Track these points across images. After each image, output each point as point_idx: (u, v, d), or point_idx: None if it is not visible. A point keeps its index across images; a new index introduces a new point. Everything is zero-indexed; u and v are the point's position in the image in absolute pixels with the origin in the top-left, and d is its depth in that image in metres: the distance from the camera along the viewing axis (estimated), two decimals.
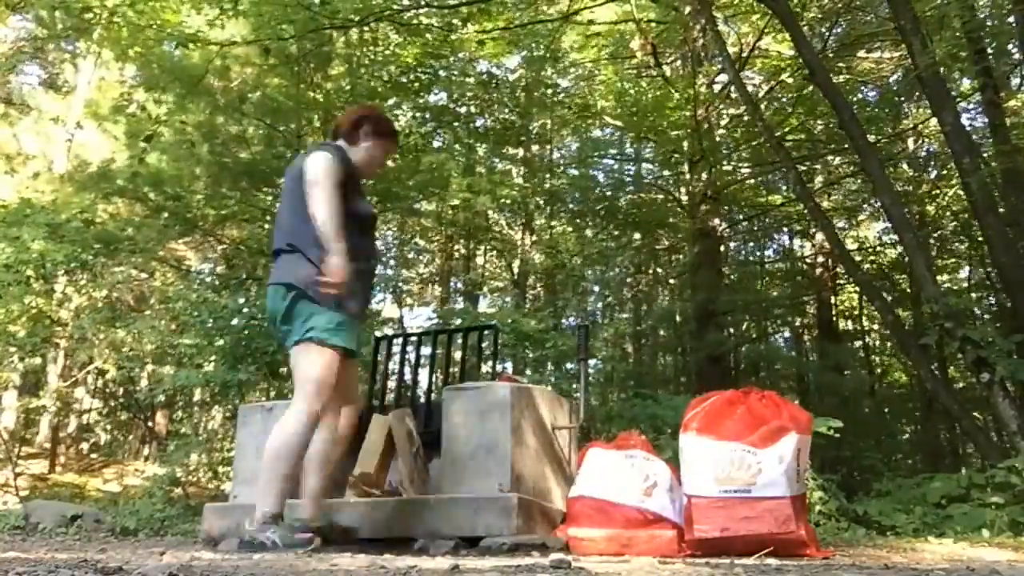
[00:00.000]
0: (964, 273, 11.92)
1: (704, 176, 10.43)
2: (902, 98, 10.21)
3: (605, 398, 11.94)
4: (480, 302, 15.07)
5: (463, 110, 10.97)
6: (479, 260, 16.30)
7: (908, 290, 10.82)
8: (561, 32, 10.70)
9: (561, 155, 14.76)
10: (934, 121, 7.83)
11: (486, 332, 4.54)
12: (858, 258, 10.80)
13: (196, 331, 7.48)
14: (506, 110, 11.51)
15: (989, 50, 7.04)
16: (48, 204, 9.28)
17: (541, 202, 12.52)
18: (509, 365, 9.02)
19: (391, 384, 4.40)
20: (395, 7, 8.54)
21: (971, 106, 9.36)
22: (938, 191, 10.57)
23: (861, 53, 10.53)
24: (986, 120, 7.84)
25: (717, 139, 10.75)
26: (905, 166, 11.18)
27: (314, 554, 2.77)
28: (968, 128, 7.84)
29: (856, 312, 13.49)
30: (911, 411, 12.73)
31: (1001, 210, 6.50)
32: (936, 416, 11.11)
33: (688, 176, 10.92)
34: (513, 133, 11.60)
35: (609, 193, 11.86)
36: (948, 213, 10.63)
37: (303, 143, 10.04)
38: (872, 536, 4.37)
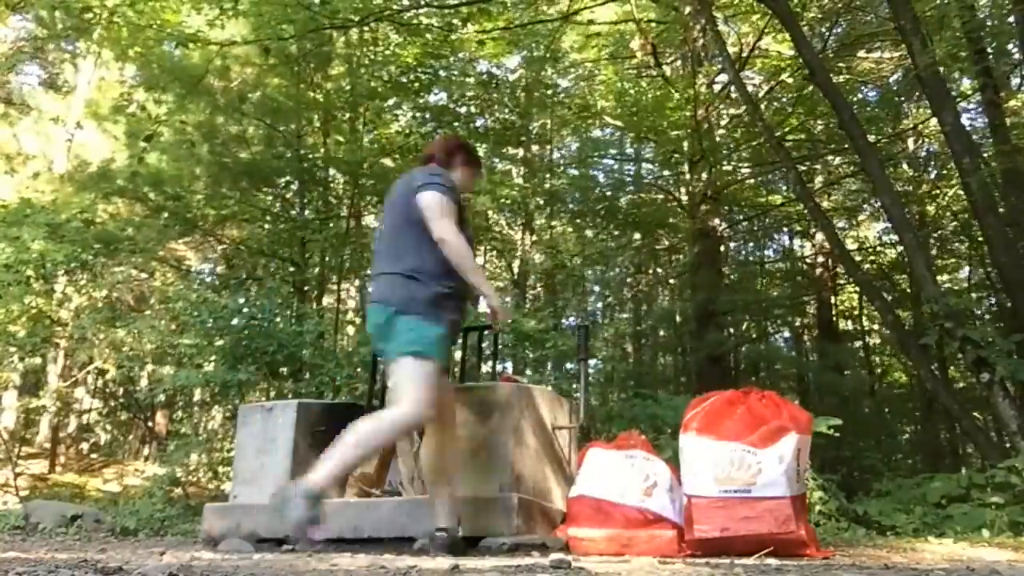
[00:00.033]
0: (964, 273, 11.92)
1: (704, 176, 10.43)
2: (902, 98, 10.20)
3: (605, 398, 11.94)
4: (480, 302, 15.05)
5: (463, 110, 10.96)
6: (479, 260, 16.28)
7: (908, 290, 10.81)
8: (561, 32, 10.69)
9: (561, 155, 14.76)
10: (934, 121, 7.83)
11: (486, 332, 4.54)
12: (858, 258, 10.80)
13: (196, 331, 7.48)
14: (506, 110, 11.51)
15: (989, 50, 7.03)
16: (48, 204, 9.28)
17: (541, 202, 12.51)
18: (509, 365, 9.03)
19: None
20: (395, 7, 8.54)
21: (971, 106, 9.37)
22: (938, 191, 10.57)
23: (861, 53, 10.53)
24: (986, 120, 7.83)
25: (717, 139, 10.75)
26: (905, 166, 11.17)
27: (315, 554, 2.77)
28: (968, 128, 7.84)
29: (856, 312, 13.49)
30: (911, 411, 12.73)
31: (1001, 210, 6.50)
32: (936, 416, 11.11)
33: (688, 176, 10.92)
34: (513, 133, 11.59)
35: (609, 193, 11.86)
36: (948, 213, 10.62)
37: (303, 143, 10.05)
38: (872, 536, 4.37)
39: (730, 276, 12.30)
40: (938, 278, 8.09)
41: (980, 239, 8.42)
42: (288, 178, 10.20)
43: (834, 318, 13.07)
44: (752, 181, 11.70)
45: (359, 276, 12.01)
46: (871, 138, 7.99)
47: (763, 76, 10.94)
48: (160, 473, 7.84)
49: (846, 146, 8.75)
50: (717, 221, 10.87)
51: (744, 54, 9.78)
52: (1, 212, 8.70)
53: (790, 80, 9.63)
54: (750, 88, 9.76)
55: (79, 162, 12.41)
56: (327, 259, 10.18)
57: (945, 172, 10.47)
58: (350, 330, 11.56)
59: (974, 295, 10.54)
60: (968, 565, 2.49)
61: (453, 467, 3.01)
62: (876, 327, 13.30)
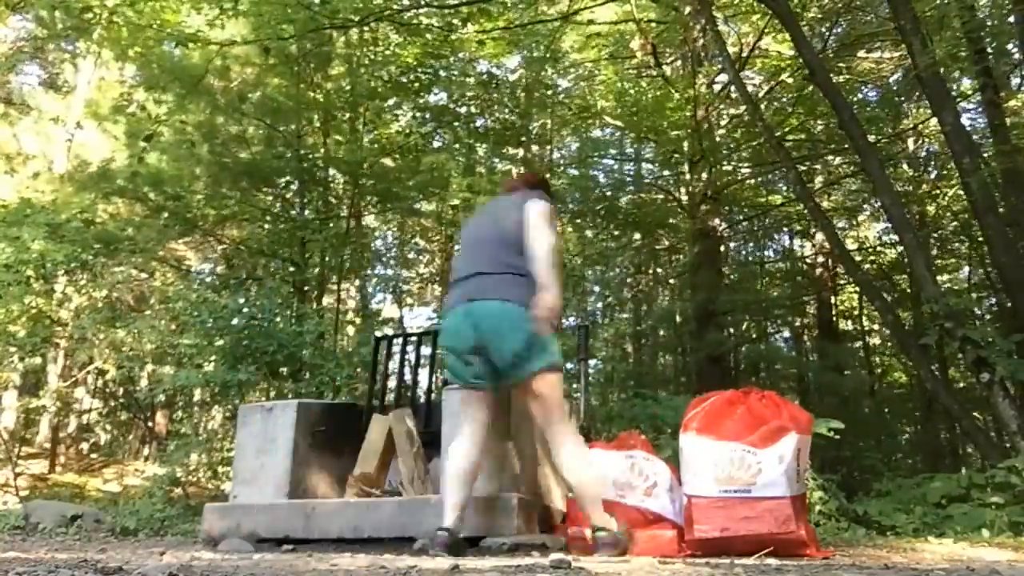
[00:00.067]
0: (964, 273, 11.92)
1: (704, 176, 10.43)
2: (902, 98, 10.20)
3: (605, 398, 11.93)
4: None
5: (463, 110, 10.97)
6: None
7: (908, 290, 10.81)
8: (561, 32, 10.69)
9: (561, 155, 14.75)
10: (934, 121, 7.82)
11: None
12: (858, 258, 10.79)
13: (196, 331, 7.48)
14: (506, 110, 11.51)
15: (989, 50, 7.03)
16: (48, 204, 9.29)
17: None
18: None
19: (391, 384, 4.40)
20: (395, 7, 8.54)
21: (971, 106, 9.36)
22: (938, 191, 10.56)
23: (861, 53, 10.52)
24: (986, 120, 7.83)
25: (717, 139, 10.74)
26: (905, 166, 11.17)
27: (315, 553, 2.77)
28: (968, 128, 7.84)
29: (856, 312, 13.49)
30: (911, 411, 12.72)
31: (1001, 210, 6.50)
32: (936, 416, 11.11)
33: (688, 176, 10.91)
34: (513, 133, 11.60)
35: (609, 193, 11.85)
36: (948, 213, 10.62)
37: (303, 143, 10.04)
38: (872, 536, 4.37)
39: (730, 276, 12.29)
40: (938, 278, 8.09)
41: (980, 239, 8.42)
42: (288, 178, 10.20)
43: (834, 318, 13.07)
44: (752, 181, 11.69)
45: (359, 276, 12.02)
46: (871, 138, 7.99)
47: (763, 76, 10.93)
48: (160, 473, 7.85)
49: (846, 146, 8.75)
50: (717, 221, 10.87)
51: (744, 54, 9.78)
52: (1, 212, 8.70)
53: (790, 80, 9.63)
54: (750, 88, 9.75)
55: (79, 162, 12.41)
56: (327, 259, 10.18)
57: (945, 172, 10.46)
58: (350, 330, 11.56)
59: (974, 295, 10.54)
60: (968, 565, 2.48)
61: (482, 468, 3.05)
62: (876, 327, 13.30)
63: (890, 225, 9.06)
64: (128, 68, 12.35)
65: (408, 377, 4.36)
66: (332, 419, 3.98)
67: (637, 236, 12.39)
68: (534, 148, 13.90)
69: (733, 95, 10.06)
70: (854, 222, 13.01)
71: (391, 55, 9.81)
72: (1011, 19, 7.29)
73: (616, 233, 12.33)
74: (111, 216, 10.29)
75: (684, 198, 11.18)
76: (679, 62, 11.58)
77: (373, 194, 10.60)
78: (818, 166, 11.80)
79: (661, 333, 14.76)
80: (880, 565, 2.50)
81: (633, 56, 11.22)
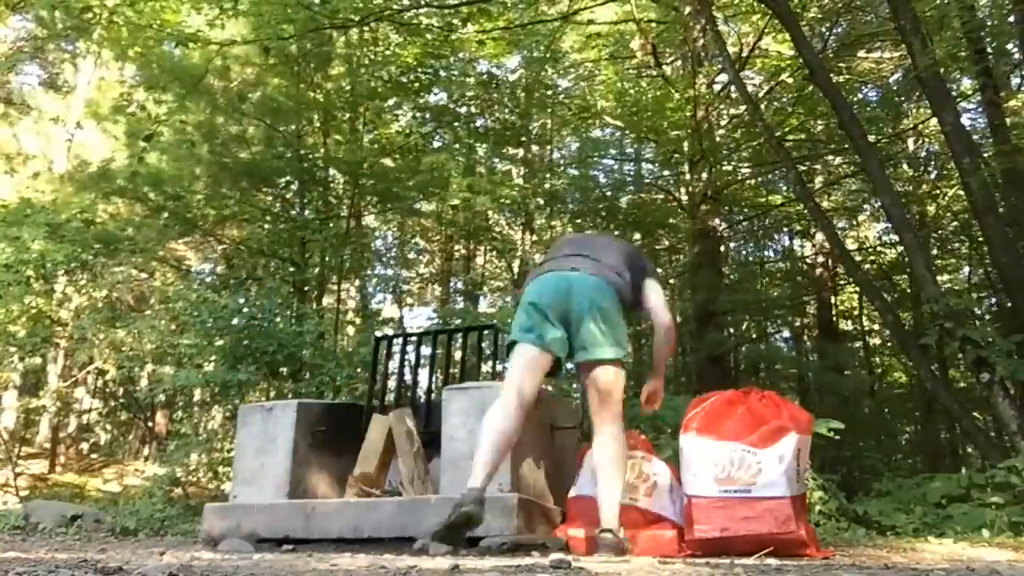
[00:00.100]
0: (964, 273, 11.92)
1: (704, 176, 10.43)
2: (902, 98, 10.20)
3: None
4: (480, 302, 15.06)
5: (463, 110, 10.97)
6: (479, 260, 16.29)
7: (908, 290, 10.81)
8: (561, 32, 10.69)
9: (561, 155, 14.75)
10: (934, 121, 7.82)
11: (486, 332, 4.54)
12: (858, 258, 10.79)
13: (196, 331, 7.48)
14: (506, 110, 11.51)
15: (989, 50, 7.03)
16: (48, 204, 9.29)
17: (541, 202, 12.51)
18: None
19: (391, 384, 4.40)
20: (395, 7, 8.54)
21: (971, 106, 9.36)
22: (938, 191, 10.56)
23: (861, 53, 10.53)
24: (986, 120, 7.83)
25: (717, 139, 10.74)
26: (905, 166, 11.17)
27: (315, 553, 2.77)
28: (968, 128, 7.84)
29: (856, 312, 13.49)
30: (911, 411, 12.72)
31: (1001, 210, 6.50)
32: (936, 416, 11.11)
33: (688, 176, 10.91)
34: (513, 133, 11.60)
35: (609, 193, 11.85)
36: (948, 213, 10.62)
37: (303, 143, 10.04)
38: (872, 536, 4.37)
39: (730, 276, 12.29)
40: (938, 278, 8.09)
41: (980, 239, 8.42)
42: (288, 178, 10.20)
43: (834, 318, 13.07)
44: (752, 181, 11.69)
45: (359, 276, 12.02)
46: (871, 138, 7.99)
47: (763, 76, 10.94)
48: (160, 473, 7.85)
49: (846, 146, 8.75)
50: (717, 221, 10.87)
51: (744, 54, 9.78)
52: (1, 212, 8.70)
53: (790, 80, 9.63)
54: (750, 88, 9.75)
55: (79, 162, 12.41)
56: (327, 259, 10.18)
57: (945, 172, 10.46)
58: (350, 330, 11.56)
59: (974, 295, 10.53)
60: (968, 565, 2.48)
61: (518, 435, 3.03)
62: (876, 327, 13.30)
63: (890, 225, 9.06)
64: (128, 68, 12.35)
65: (408, 377, 4.36)
66: (332, 419, 3.98)
67: (637, 236, 12.38)
68: (534, 148, 13.90)
69: (733, 95, 10.06)
70: (854, 222, 13.01)
71: (391, 55, 9.81)
72: (1011, 19, 7.28)
73: (616, 233, 12.32)
74: (111, 216, 10.29)
75: (684, 198, 11.18)
76: (679, 62, 11.58)
77: (373, 194, 10.60)
78: (818, 166, 11.80)
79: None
80: (880, 565, 2.50)
81: (633, 56, 11.22)
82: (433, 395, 4.27)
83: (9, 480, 10.28)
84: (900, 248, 9.11)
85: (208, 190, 10.00)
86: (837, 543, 3.72)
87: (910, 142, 10.81)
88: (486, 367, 4.47)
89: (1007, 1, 7.07)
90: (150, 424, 14.05)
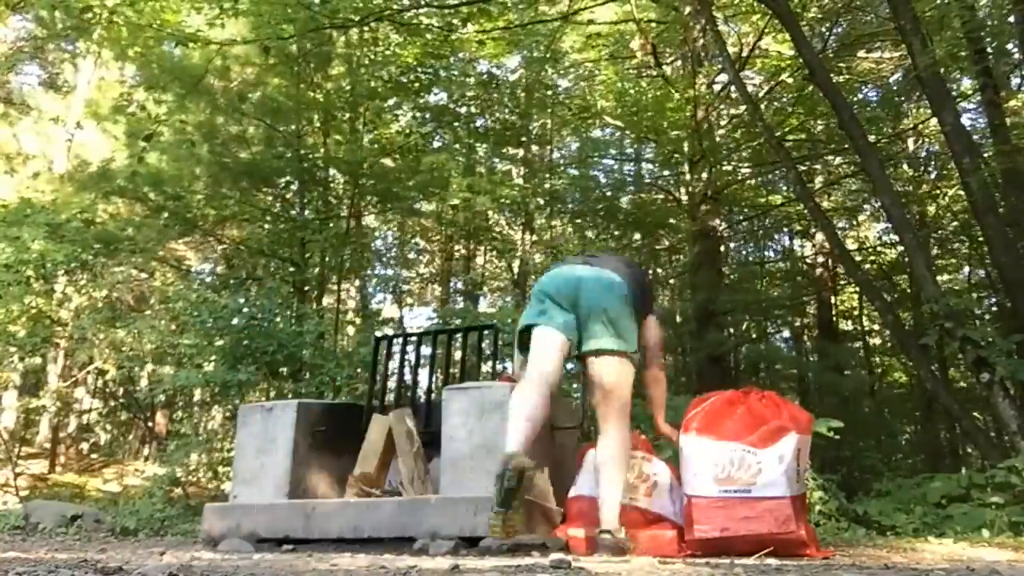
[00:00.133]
0: (964, 273, 11.92)
1: (704, 176, 10.42)
2: (902, 98, 10.19)
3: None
4: (480, 302, 15.07)
5: (463, 110, 10.96)
6: (479, 260, 16.29)
7: (908, 290, 10.81)
8: (561, 32, 10.68)
9: (561, 155, 14.75)
10: (934, 121, 7.82)
11: (486, 332, 4.54)
12: (858, 258, 10.78)
13: (196, 331, 7.48)
14: (506, 110, 11.50)
15: (989, 50, 7.03)
16: (48, 204, 9.29)
17: (541, 202, 12.52)
18: (509, 365, 9.01)
19: (391, 384, 4.40)
20: (395, 7, 8.54)
21: (971, 106, 9.36)
22: (938, 191, 10.56)
23: (861, 53, 10.52)
24: (986, 120, 7.83)
25: (717, 139, 10.74)
26: (905, 166, 11.16)
27: (315, 553, 2.77)
28: (968, 128, 7.83)
29: (856, 312, 13.48)
30: (911, 411, 12.72)
31: (1001, 210, 6.49)
32: (936, 416, 11.10)
33: (688, 176, 10.91)
34: (513, 133, 11.59)
35: (609, 193, 11.85)
36: (948, 213, 10.62)
37: (303, 143, 10.04)
38: (872, 536, 4.37)
39: (730, 276, 12.29)
40: (938, 278, 8.08)
41: (980, 239, 8.42)
42: (288, 178, 10.20)
43: (834, 318, 13.07)
44: (752, 181, 11.69)
45: (359, 276, 12.02)
46: (871, 138, 7.98)
47: (763, 76, 10.93)
48: (160, 473, 7.85)
49: (846, 146, 8.75)
50: (717, 221, 10.87)
51: (744, 54, 9.77)
52: (1, 212, 8.70)
53: (790, 80, 9.62)
54: (750, 88, 9.75)
55: (79, 162, 12.41)
56: (327, 259, 10.18)
57: (945, 172, 10.46)
58: (350, 330, 11.56)
59: (974, 295, 10.54)
60: (968, 565, 2.49)
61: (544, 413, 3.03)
62: (876, 327, 13.29)
63: (890, 225, 9.06)
64: (128, 68, 12.35)
65: (408, 377, 4.36)
66: (332, 419, 3.98)
67: (637, 236, 12.39)
68: (534, 148, 13.90)
69: (733, 95, 10.05)
70: (854, 222, 13.00)
71: (391, 55, 9.80)
72: (1011, 19, 7.28)
73: (616, 233, 12.32)
74: (111, 216, 10.29)
75: (684, 198, 11.18)
76: (679, 62, 11.58)
77: (373, 194, 10.60)
78: (818, 166, 11.80)
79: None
80: (880, 565, 2.50)
81: (633, 56, 11.22)
82: (433, 395, 4.27)
83: (9, 480, 10.28)
84: (900, 248, 9.11)
85: (208, 190, 10.00)
86: (837, 543, 3.72)
87: (910, 142, 10.80)
88: (486, 367, 4.47)
89: (1007, 1, 7.07)
90: (150, 424, 14.05)
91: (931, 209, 10.89)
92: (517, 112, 11.55)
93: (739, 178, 11.37)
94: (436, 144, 11.10)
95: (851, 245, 11.80)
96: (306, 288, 9.80)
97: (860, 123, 7.01)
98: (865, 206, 12.31)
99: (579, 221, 12.74)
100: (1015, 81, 9.46)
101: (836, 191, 12.66)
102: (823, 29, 10.00)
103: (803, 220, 11.68)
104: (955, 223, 10.60)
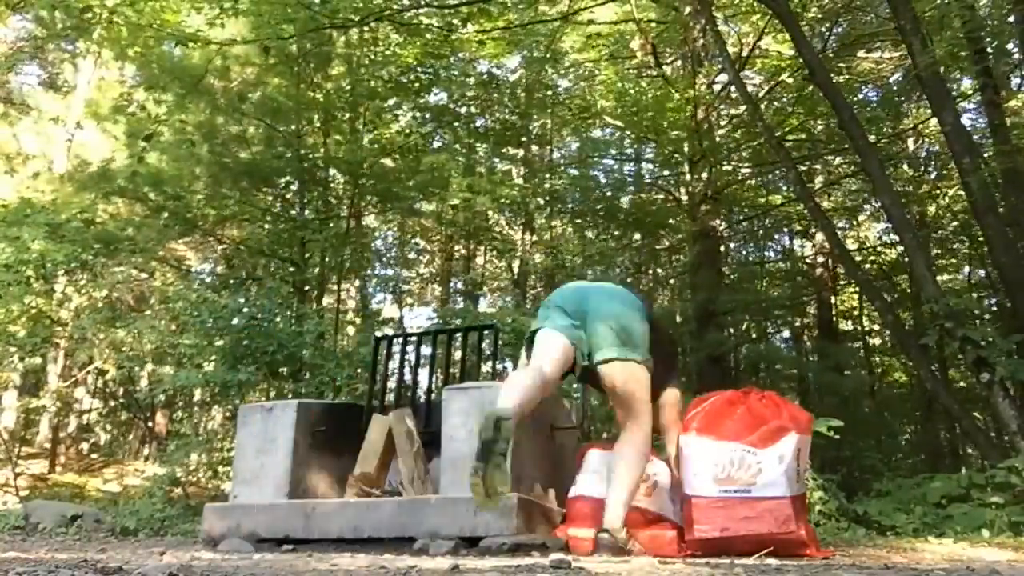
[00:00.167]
0: (964, 273, 11.91)
1: (704, 176, 10.42)
2: (902, 98, 10.19)
3: (605, 398, 11.90)
4: (480, 302, 15.06)
5: (463, 110, 10.96)
6: (479, 260, 16.29)
7: (908, 290, 10.80)
8: (561, 32, 10.68)
9: (561, 155, 14.75)
10: (934, 121, 7.82)
11: (486, 332, 4.54)
12: (858, 258, 10.78)
13: (196, 331, 7.48)
14: (506, 110, 11.50)
15: (989, 50, 7.03)
16: (48, 204, 9.29)
17: (541, 202, 12.52)
18: (509, 365, 9.01)
19: (391, 384, 4.40)
20: (395, 7, 8.54)
21: (971, 106, 9.36)
22: (938, 191, 10.56)
23: (861, 53, 10.52)
24: (986, 120, 7.83)
25: (717, 139, 10.74)
26: (905, 166, 11.16)
27: (315, 553, 2.77)
28: (968, 128, 7.83)
29: (856, 312, 13.48)
30: (911, 411, 12.71)
31: (1001, 210, 6.49)
32: (936, 416, 11.10)
33: (688, 176, 10.91)
34: (513, 133, 11.59)
35: (609, 193, 11.85)
36: (948, 213, 10.61)
37: (303, 143, 10.04)
38: (872, 536, 4.37)
39: (730, 276, 12.28)
40: (938, 278, 8.08)
41: (980, 239, 8.42)
42: (288, 178, 10.20)
43: (834, 318, 13.06)
44: (752, 181, 11.69)
45: (359, 276, 12.02)
46: (871, 138, 7.98)
47: (763, 76, 10.93)
48: (160, 473, 7.85)
49: (846, 146, 8.74)
50: (717, 221, 10.86)
51: (744, 54, 9.77)
52: (1, 212, 8.70)
53: (790, 80, 9.62)
54: (750, 88, 9.75)
55: (79, 162, 12.41)
56: (327, 259, 10.18)
57: (945, 172, 10.45)
58: (350, 330, 11.56)
59: (974, 295, 10.53)
60: (968, 565, 2.49)
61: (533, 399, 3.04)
62: (876, 327, 13.29)
63: (890, 225, 9.06)
64: (128, 68, 12.35)
65: (408, 377, 4.36)
66: (332, 419, 3.98)
67: (637, 236, 12.39)
68: (534, 148, 13.90)
69: (733, 95, 10.05)
70: (854, 222, 12.99)
71: (391, 55, 9.80)
72: (1011, 19, 7.28)
73: (616, 233, 12.33)
74: (111, 216, 10.29)
75: (684, 198, 11.18)
76: (679, 62, 11.58)
77: (373, 194, 10.60)
78: (818, 166, 11.79)
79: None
80: (880, 565, 2.50)
81: (633, 56, 11.22)
82: (433, 395, 4.27)
83: (9, 480, 10.28)
84: (900, 248, 9.11)
85: (208, 190, 10.00)
86: (837, 543, 3.72)
87: (910, 142, 10.80)
88: (486, 367, 4.47)
89: (1007, 1, 7.07)
90: (150, 424, 14.04)
91: (931, 209, 10.88)
92: (517, 112, 11.55)
93: (739, 178, 11.37)
94: (436, 144, 11.10)
95: (851, 245, 11.80)
96: (306, 288, 9.80)
97: (860, 123, 7.01)
98: (865, 206, 12.30)
99: (579, 221, 12.74)
100: (1015, 81, 9.46)
101: (836, 191, 12.65)
102: (823, 29, 9.99)
103: (803, 220, 11.68)
104: (955, 223, 10.60)
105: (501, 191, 11.22)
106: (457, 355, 4.45)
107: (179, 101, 9.14)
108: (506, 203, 11.85)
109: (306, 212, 10.23)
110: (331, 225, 9.97)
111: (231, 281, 10.21)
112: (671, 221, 11.78)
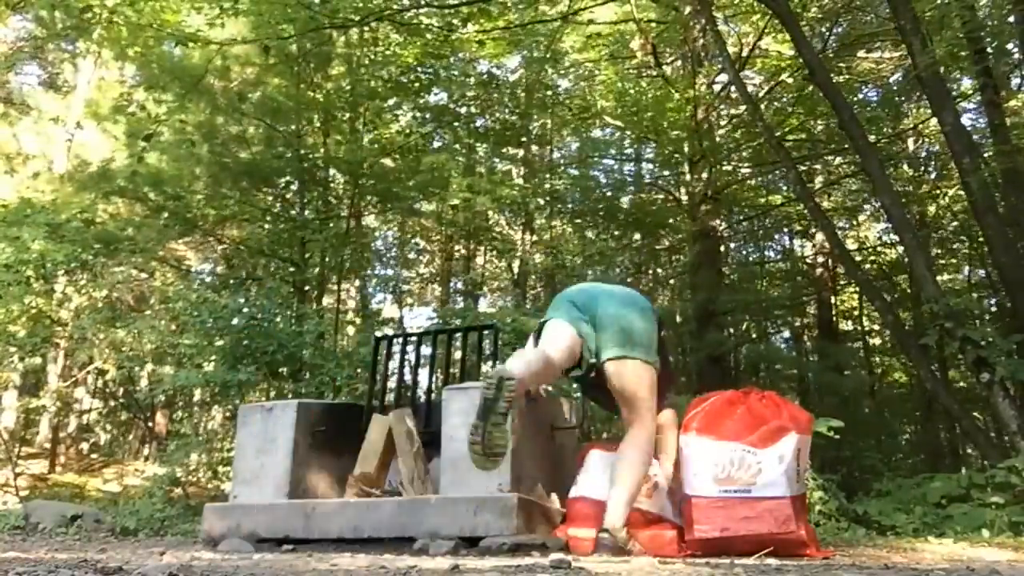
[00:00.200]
0: (964, 273, 11.91)
1: (704, 176, 10.43)
2: (902, 98, 10.19)
3: (605, 404, 11.88)
4: (480, 302, 15.06)
5: (463, 110, 10.96)
6: (479, 260, 16.29)
7: (908, 290, 10.80)
8: (561, 32, 10.68)
9: (561, 155, 14.74)
10: (934, 121, 7.82)
11: (486, 332, 4.54)
12: (858, 258, 10.78)
13: (196, 331, 7.48)
14: (506, 110, 11.50)
15: (989, 50, 7.03)
16: (48, 204, 9.29)
17: (541, 202, 12.52)
18: None
19: (391, 384, 4.40)
20: (395, 7, 8.54)
21: (971, 106, 9.36)
22: (938, 191, 10.56)
23: (861, 53, 10.52)
24: (986, 120, 7.83)
25: (717, 139, 10.74)
26: (905, 166, 11.16)
27: (315, 553, 2.77)
28: (968, 128, 7.83)
29: (856, 312, 13.48)
30: (911, 411, 12.71)
31: (1001, 210, 6.49)
32: (936, 416, 11.10)
33: (688, 176, 10.91)
34: (513, 133, 11.59)
35: (609, 193, 11.85)
36: (948, 213, 10.61)
37: (303, 143, 10.05)
38: (872, 536, 4.37)
39: (730, 276, 12.28)
40: (938, 278, 8.08)
41: (980, 239, 8.42)
42: (288, 178, 10.20)
43: (834, 318, 13.06)
44: (752, 181, 11.69)
45: (359, 276, 12.02)
46: (871, 138, 7.98)
47: (763, 76, 10.93)
48: (160, 473, 7.85)
49: (846, 146, 8.75)
50: (717, 221, 10.86)
51: (744, 54, 9.77)
52: (1, 212, 8.70)
53: (790, 80, 9.62)
54: (750, 88, 9.75)
55: (79, 162, 12.41)
56: (327, 259, 10.18)
57: (945, 172, 10.45)
58: (350, 330, 11.56)
59: (974, 295, 10.53)
60: (968, 565, 2.49)
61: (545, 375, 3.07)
62: (876, 327, 13.29)
63: (890, 225, 9.06)
64: (128, 68, 12.35)
65: (408, 377, 4.36)
66: (332, 419, 3.98)
67: (637, 236, 12.39)
68: (534, 148, 13.90)
69: (733, 95, 10.05)
70: (854, 222, 12.99)
71: (391, 55, 9.80)
72: (1011, 19, 7.28)
73: (616, 233, 12.33)
74: (111, 216, 10.29)
75: (684, 198, 11.18)
76: (679, 62, 11.58)
77: (373, 194, 10.60)
78: (818, 166, 11.79)
79: (661, 333, 14.72)
80: (880, 565, 2.50)
81: (633, 56, 11.21)
82: (433, 395, 4.27)
83: (9, 480, 10.27)
84: (900, 248, 9.10)
85: (208, 190, 10.00)
86: (837, 543, 3.72)
87: (910, 142, 10.80)
88: (486, 367, 4.46)
89: (1007, 1, 7.07)
90: (150, 424, 14.04)
91: (931, 209, 10.88)
92: (517, 112, 11.55)
93: (739, 178, 11.37)
94: (436, 144, 11.10)
95: (851, 245, 11.80)
96: (306, 288, 9.80)
97: (860, 123, 7.02)
98: (865, 206, 12.30)
99: (579, 221, 12.74)
100: (1015, 81, 9.45)
101: (836, 191, 12.65)
102: (823, 29, 9.99)
103: (803, 220, 11.68)
104: (955, 223, 10.60)
105: (501, 191, 11.22)
106: (457, 355, 4.45)
107: (179, 101, 9.13)
108: (506, 203, 11.85)
109: (306, 212, 10.23)
110: (331, 225, 9.97)
111: (231, 281, 10.21)
112: (671, 221, 11.78)
